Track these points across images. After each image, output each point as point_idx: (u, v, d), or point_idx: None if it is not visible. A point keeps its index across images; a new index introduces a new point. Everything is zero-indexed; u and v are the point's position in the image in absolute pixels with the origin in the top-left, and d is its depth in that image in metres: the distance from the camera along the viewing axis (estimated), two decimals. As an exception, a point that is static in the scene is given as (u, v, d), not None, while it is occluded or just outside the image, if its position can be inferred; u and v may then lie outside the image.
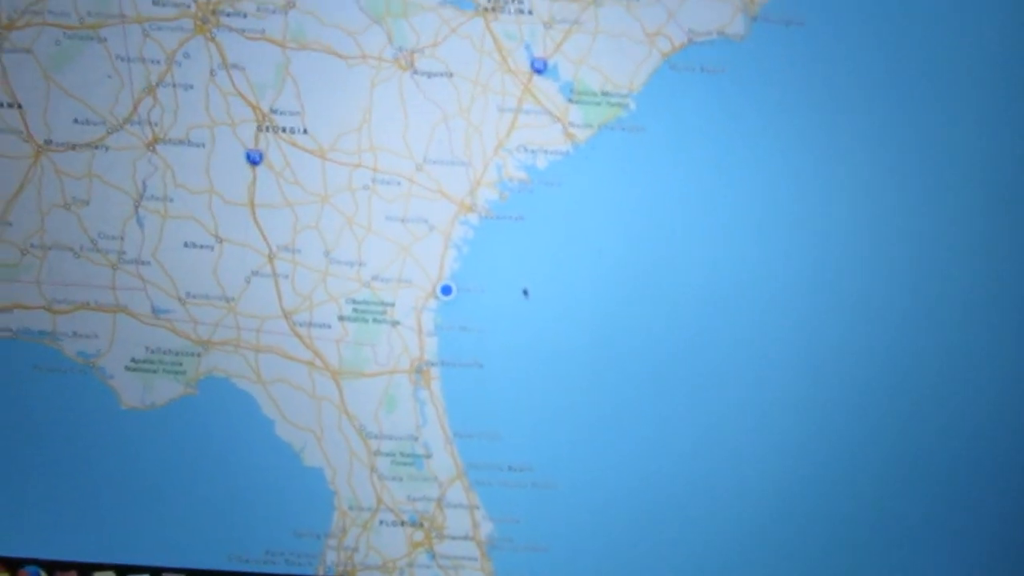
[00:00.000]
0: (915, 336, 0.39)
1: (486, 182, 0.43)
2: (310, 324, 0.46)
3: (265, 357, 0.46)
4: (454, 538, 0.47)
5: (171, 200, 0.44)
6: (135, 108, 0.42)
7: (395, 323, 0.46)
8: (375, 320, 0.46)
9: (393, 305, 0.46)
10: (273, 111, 0.43)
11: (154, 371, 0.45)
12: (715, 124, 0.39)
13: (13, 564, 0.41)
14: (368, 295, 0.46)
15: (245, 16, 0.42)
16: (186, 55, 0.42)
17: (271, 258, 0.45)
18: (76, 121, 0.42)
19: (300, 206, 0.45)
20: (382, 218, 0.45)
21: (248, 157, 0.44)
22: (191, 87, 0.43)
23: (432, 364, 0.46)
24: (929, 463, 0.40)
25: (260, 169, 0.44)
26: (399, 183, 0.44)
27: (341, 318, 0.46)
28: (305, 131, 0.43)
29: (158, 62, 0.42)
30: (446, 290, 0.46)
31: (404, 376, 0.47)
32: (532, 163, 0.42)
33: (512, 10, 0.41)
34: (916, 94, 0.37)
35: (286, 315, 0.46)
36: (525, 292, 0.41)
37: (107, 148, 0.43)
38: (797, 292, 0.39)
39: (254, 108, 0.43)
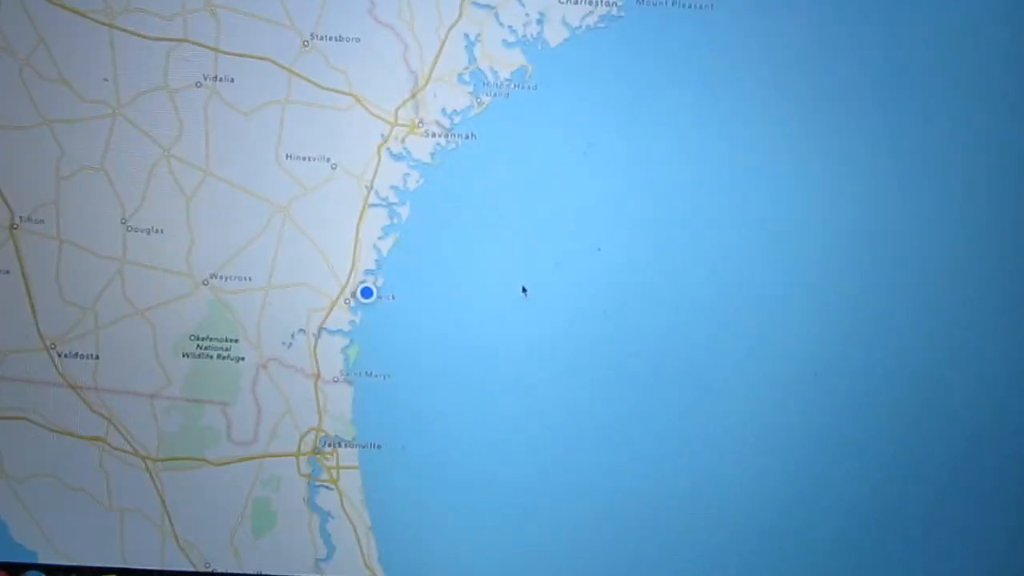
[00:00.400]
0: (919, 339, 0.38)
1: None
2: (95, 358, 0.36)
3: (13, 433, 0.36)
4: None
5: None
6: None
7: (262, 364, 0.36)
8: (221, 357, 0.36)
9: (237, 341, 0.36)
10: None
11: None
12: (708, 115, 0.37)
13: (16, 569, 0.37)
14: (207, 310, 0.36)
15: None
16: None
17: (12, 229, 0.34)
18: None
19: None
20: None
21: None
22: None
23: (341, 441, 0.37)
24: (936, 469, 0.39)
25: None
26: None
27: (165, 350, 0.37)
28: None
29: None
30: (366, 292, 0.36)
31: (287, 463, 0.37)
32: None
33: None
34: (923, 94, 0.37)
35: (47, 343, 0.36)
36: (524, 290, 0.36)
37: None
38: (799, 291, 0.38)
39: None
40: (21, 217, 0.35)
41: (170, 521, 0.37)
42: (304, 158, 0.35)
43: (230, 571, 0.38)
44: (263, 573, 0.38)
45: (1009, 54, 0.38)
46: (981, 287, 0.39)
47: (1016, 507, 0.40)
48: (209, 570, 0.38)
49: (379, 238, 0.35)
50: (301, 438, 0.36)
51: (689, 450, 0.39)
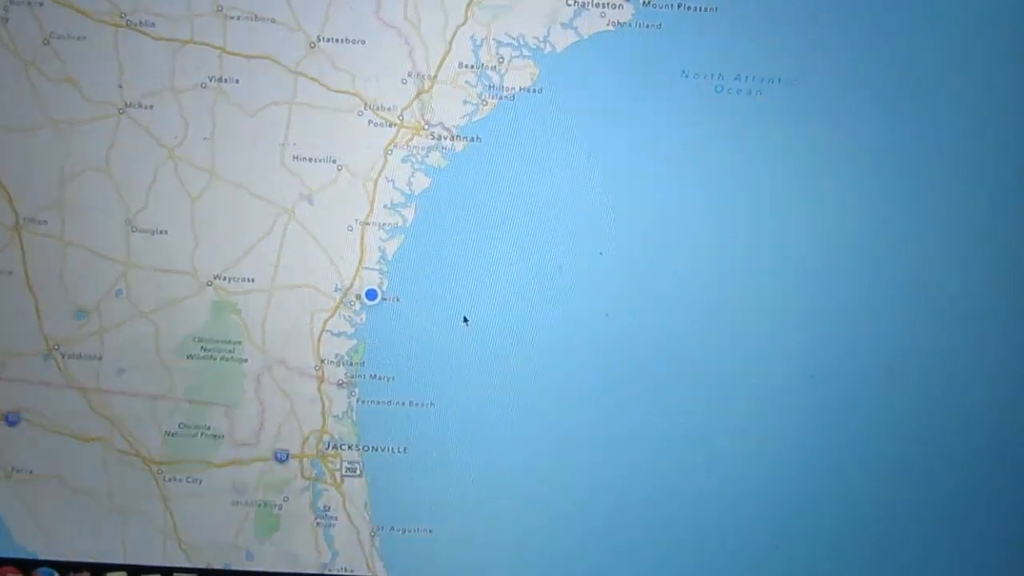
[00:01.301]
0: (922, 341, 0.39)
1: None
2: (98, 360, 0.35)
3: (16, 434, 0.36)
4: None
5: None
6: None
7: (266, 366, 0.35)
8: (225, 359, 0.36)
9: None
10: None
11: None
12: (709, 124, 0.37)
13: (27, 566, 0.37)
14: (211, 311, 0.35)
15: None
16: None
17: (16, 230, 0.34)
18: None
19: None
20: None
21: None
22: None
23: (345, 443, 0.36)
24: (935, 470, 0.40)
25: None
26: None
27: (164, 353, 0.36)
28: None
29: None
30: (370, 294, 0.35)
31: (291, 466, 0.36)
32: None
33: None
34: (925, 99, 0.37)
35: (50, 345, 0.35)
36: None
37: None
38: (800, 293, 0.38)
39: None
40: (25, 218, 0.34)
41: (173, 523, 0.36)
42: (310, 159, 0.34)
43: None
44: (277, 572, 0.38)
45: (1010, 58, 0.37)
46: (980, 291, 0.39)
47: (1017, 510, 0.40)
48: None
49: (384, 240, 0.35)
50: (304, 440, 0.36)
51: (689, 452, 0.39)
